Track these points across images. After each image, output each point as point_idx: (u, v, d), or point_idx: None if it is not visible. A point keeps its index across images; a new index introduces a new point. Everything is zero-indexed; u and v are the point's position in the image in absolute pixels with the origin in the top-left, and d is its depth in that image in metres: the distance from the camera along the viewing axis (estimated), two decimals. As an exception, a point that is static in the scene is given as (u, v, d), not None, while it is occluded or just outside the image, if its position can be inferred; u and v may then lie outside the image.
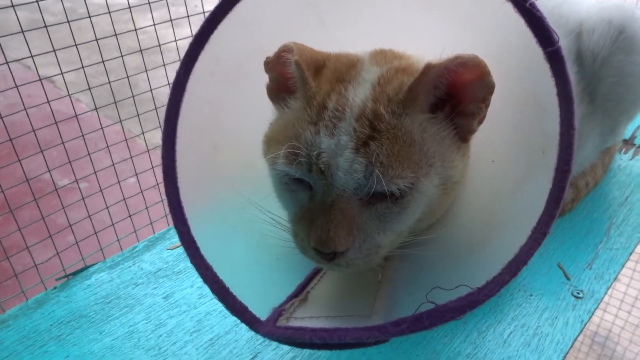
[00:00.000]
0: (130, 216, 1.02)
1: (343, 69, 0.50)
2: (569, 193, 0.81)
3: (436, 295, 0.42)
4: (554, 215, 0.40)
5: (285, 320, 0.47)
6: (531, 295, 0.66)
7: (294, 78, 0.51)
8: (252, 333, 0.59)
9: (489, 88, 0.47)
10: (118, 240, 0.92)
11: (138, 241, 0.78)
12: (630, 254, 0.73)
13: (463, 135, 0.50)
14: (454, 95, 0.49)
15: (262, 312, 0.46)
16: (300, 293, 0.52)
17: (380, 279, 0.53)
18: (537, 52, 0.43)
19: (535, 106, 0.46)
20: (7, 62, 0.91)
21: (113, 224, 1.01)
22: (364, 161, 0.44)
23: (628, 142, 0.99)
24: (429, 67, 0.45)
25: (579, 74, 0.74)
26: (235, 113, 0.57)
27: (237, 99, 0.57)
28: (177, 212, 0.49)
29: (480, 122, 0.50)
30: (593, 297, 0.66)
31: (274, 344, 0.61)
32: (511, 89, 0.49)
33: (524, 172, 0.47)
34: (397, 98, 0.46)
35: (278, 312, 0.47)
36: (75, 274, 0.72)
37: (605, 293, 0.66)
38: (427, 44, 0.49)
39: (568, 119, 0.41)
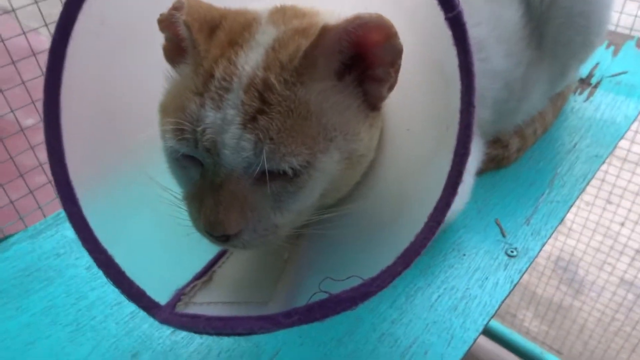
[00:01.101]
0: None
1: (237, 30, 0.45)
2: (515, 142, 0.77)
3: (331, 284, 0.40)
4: (449, 202, 0.37)
5: (183, 306, 0.44)
6: (464, 255, 0.65)
7: (186, 39, 0.46)
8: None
9: (396, 51, 0.42)
10: (40, 207, 0.88)
11: (62, 206, 0.75)
12: (571, 206, 0.71)
13: (372, 103, 0.46)
14: (361, 59, 0.44)
15: (165, 296, 0.44)
16: (205, 273, 0.49)
17: (285, 259, 0.50)
18: (441, 16, 0.38)
19: (442, 76, 0.42)
20: None
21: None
22: (252, 138, 0.40)
23: (584, 82, 0.95)
24: (325, 30, 0.40)
25: (525, 16, 0.68)
26: (132, 78, 0.52)
27: (132, 63, 0.51)
28: (65, 192, 0.45)
29: (391, 88, 0.46)
30: (527, 255, 0.64)
31: (197, 315, 0.59)
32: (421, 54, 0.45)
33: (432, 146, 0.44)
34: (291, 65, 0.41)
35: (177, 297, 0.45)
36: (-8, 245, 0.68)
37: (540, 250, 0.65)
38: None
39: (468, 95, 0.37)
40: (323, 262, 0.47)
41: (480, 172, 0.74)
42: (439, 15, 0.37)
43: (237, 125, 0.40)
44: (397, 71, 0.44)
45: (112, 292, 0.63)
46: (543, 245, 0.66)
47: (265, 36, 0.44)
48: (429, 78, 0.45)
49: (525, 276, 1.99)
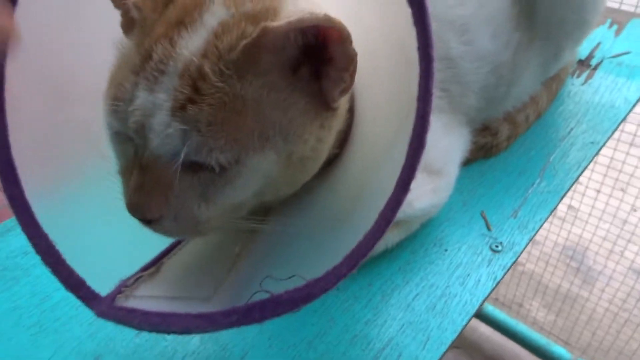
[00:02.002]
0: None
1: (189, 9, 0.41)
2: (505, 129, 0.73)
3: (274, 283, 0.37)
4: (400, 200, 0.33)
5: (124, 299, 0.42)
6: (446, 250, 0.61)
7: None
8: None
9: (348, 57, 0.39)
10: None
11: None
12: (562, 197, 0.67)
13: (327, 102, 0.42)
14: (315, 55, 0.40)
15: (109, 288, 0.42)
16: (154, 265, 0.47)
17: (238, 253, 0.47)
18: None
19: (405, 60, 0.38)
20: None
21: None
22: (179, 127, 0.37)
23: (583, 64, 0.90)
24: (265, 31, 0.37)
25: (514, -8, 0.64)
26: (84, 50, 0.48)
27: (84, 33, 0.48)
28: (7, 173, 0.42)
29: (344, 92, 0.42)
30: (512, 250, 0.61)
31: (164, 316, 0.57)
32: (387, 37, 0.41)
33: (392, 137, 0.40)
34: (228, 57, 0.38)
35: (119, 289, 0.43)
36: (-41, 244, 0.66)
37: (527, 244, 0.61)
38: None
39: (426, 80, 0.33)
40: (273, 259, 0.44)
41: (468, 162, 0.71)
42: None
43: (165, 111, 0.37)
44: (352, 77, 0.41)
45: (78, 292, 0.61)
46: (530, 239, 0.62)
47: (213, 18, 0.40)
48: (392, 62, 0.42)
49: (531, 265, 1.95)
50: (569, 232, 1.87)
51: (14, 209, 0.42)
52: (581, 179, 1.70)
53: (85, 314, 0.58)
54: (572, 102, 0.82)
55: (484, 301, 0.56)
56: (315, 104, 0.41)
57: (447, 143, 0.63)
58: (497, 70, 0.65)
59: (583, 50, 0.92)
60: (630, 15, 1.01)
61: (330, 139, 0.45)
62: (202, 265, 0.49)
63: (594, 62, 0.90)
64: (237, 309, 0.35)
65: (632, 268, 1.78)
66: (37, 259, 0.64)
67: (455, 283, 0.58)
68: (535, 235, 0.62)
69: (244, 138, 0.38)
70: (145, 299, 0.42)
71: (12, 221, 0.70)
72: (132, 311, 0.38)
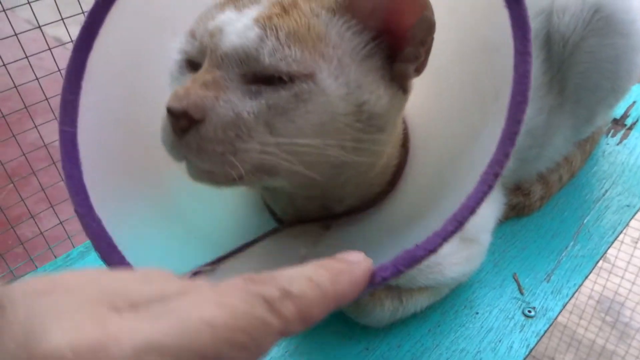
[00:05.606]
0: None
1: None
2: (538, 190, 0.73)
3: None
4: (508, 153, 0.33)
5: None
6: (477, 313, 0.61)
7: None
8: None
9: (429, 27, 0.41)
10: (50, 248, 0.89)
11: (74, 247, 0.75)
12: (597, 262, 0.66)
13: (401, 82, 0.44)
14: (392, 34, 0.42)
15: None
16: (212, 264, 0.46)
17: (304, 255, 0.45)
18: None
19: (486, 46, 0.41)
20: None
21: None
22: (259, 31, 0.39)
23: (618, 123, 0.90)
24: None
25: (547, 61, 0.65)
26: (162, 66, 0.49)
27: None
28: (69, 151, 0.43)
29: (419, 70, 0.44)
30: (545, 316, 0.60)
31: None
32: (462, 33, 0.45)
33: (476, 125, 0.41)
34: (321, 3, 0.41)
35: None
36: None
37: (561, 311, 0.60)
38: None
39: (523, 42, 0.35)
40: None
41: (500, 222, 0.71)
42: None
43: (249, 18, 0.40)
44: (427, 52, 0.42)
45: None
46: (564, 305, 0.61)
47: None
48: (471, 54, 0.44)
49: (564, 318, 1.88)
50: (604, 286, 1.81)
51: (69, 189, 0.43)
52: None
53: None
54: (607, 163, 0.81)
55: (516, 369, 0.55)
56: (389, 72, 0.43)
57: (483, 208, 0.63)
58: (532, 132, 0.65)
59: (618, 109, 0.92)
60: (666, 74, 1.00)
61: (400, 114, 0.46)
62: (264, 265, 0.47)
63: (629, 121, 0.90)
64: None
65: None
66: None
67: (486, 349, 0.57)
68: (569, 301, 0.61)
69: (321, 60, 0.39)
70: None
71: (51, 265, 0.73)
72: None
